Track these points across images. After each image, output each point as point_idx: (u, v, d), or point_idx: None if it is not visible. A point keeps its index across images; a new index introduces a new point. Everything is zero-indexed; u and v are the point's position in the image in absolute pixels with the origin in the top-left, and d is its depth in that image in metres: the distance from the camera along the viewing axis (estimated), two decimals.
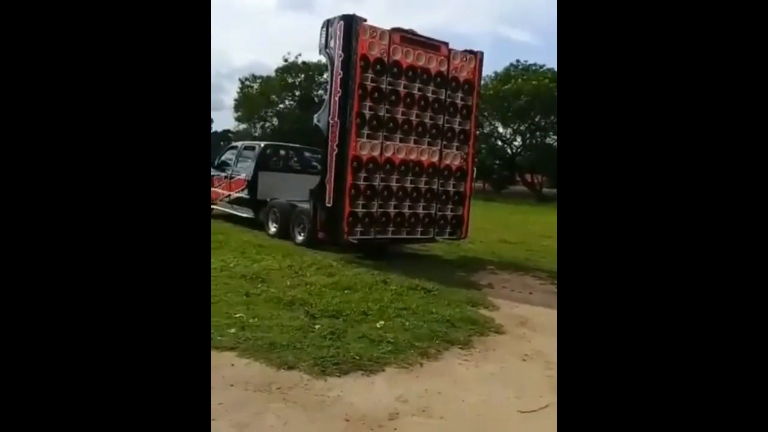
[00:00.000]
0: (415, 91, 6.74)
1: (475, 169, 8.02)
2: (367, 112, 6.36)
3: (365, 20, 6.30)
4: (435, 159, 7.07)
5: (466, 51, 7.29)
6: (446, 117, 7.09)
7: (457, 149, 7.27)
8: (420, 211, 7.01)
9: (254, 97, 36.83)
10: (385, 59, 6.46)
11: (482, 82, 31.39)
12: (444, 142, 7.12)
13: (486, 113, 29.31)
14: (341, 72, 6.20)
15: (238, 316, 3.81)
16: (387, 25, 6.56)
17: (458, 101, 7.18)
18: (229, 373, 2.91)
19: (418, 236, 7.13)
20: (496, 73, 29.91)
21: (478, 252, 8.17)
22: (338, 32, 6.22)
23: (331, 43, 6.32)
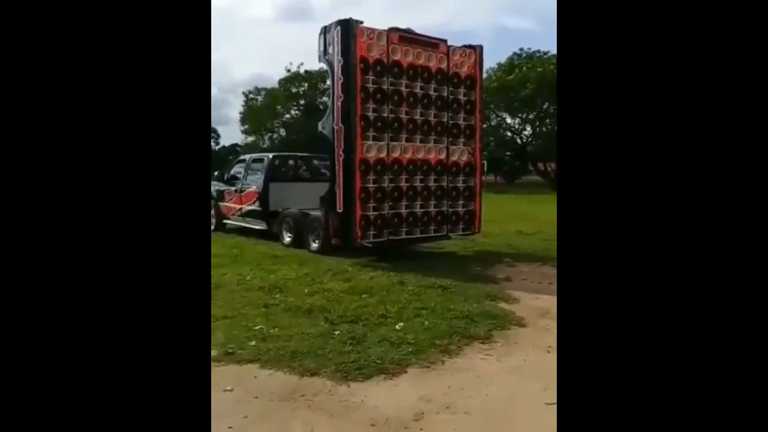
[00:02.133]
0: (417, 90, 6.75)
1: (485, 162, 8.00)
2: (370, 115, 6.37)
3: (362, 22, 6.32)
4: (442, 156, 7.06)
5: (465, 46, 7.27)
6: (450, 113, 7.08)
7: (464, 144, 7.26)
8: (431, 209, 7.00)
9: (259, 109, 37.19)
10: (385, 60, 6.47)
11: (486, 74, 31.09)
12: (450, 139, 7.11)
13: (492, 105, 29.21)
14: (342, 76, 6.22)
15: (257, 328, 3.83)
16: (386, 27, 6.57)
17: (461, 97, 7.16)
18: (253, 385, 2.92)
19: (432, 234, 7.12)
20: (499, 64, 29.81)
21: (494, 245, 8.12)
22: (336, 37, 6.24)
23: (330, 49, 6.35)
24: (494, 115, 30.67)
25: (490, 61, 31.12)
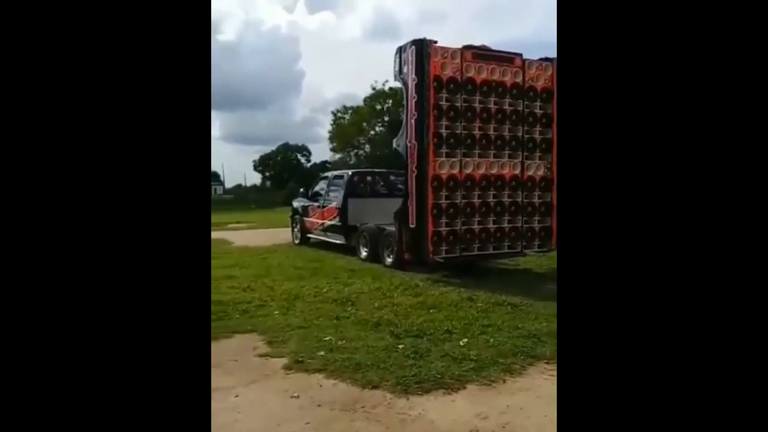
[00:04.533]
0: (491, 105, 6.74)
1: None
2: (443, 131, 6.45)
3: (435, 42, 6.44)
4: (517, 171, 6.97)
5: (541, 59, 7.16)
6: (525, 128, 6.99)
7: (540, 159, 7.12)
8: (505, 225, 6.92)
9: (346, 127, 38.42)
10: (459, 77, 6.53)
11: None
12: (525, 153, 7.00)
13: None
14: (415, 95, 6.36)
15: (327, 339, 4.02)
16: (471, 41, 6.64)
17: (537, 110, 7.05)
18: (317, 393, 3.08)
19: (506, 251, 7.02)
20: None
21: None
22: (410, 57, 6.40)
23: (405, 69, 6.52)
24: None
25: None
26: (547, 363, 3.53)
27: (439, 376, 3.24)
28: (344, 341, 3.96)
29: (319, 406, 2.91)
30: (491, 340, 3.93)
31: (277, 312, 4.95)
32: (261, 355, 3.76)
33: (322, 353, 3.70)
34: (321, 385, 3.20)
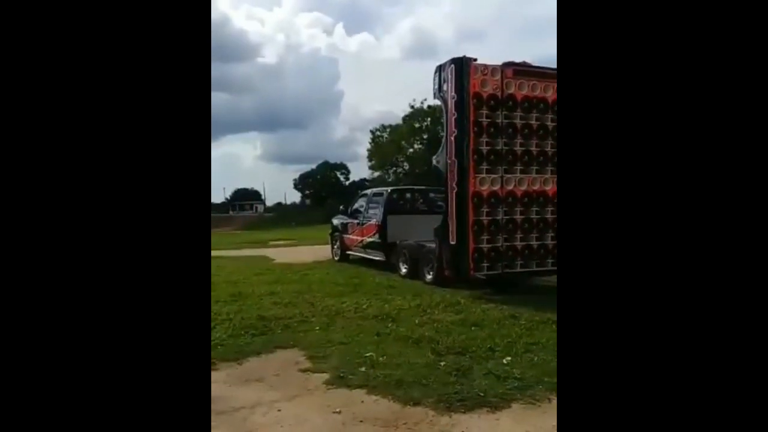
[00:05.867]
0: (533, 122, 6.67)
1: None
2: (483, 148, 6.41)
3: (475, 59, 6.45)
4: None
5: None
6: None
7: None
8: (549, 242, 6.78)
9: (385, 145, 38.74)
10: (499, 94, 6.51)
11: None
12: None
13: None
14: (455, 112, 6.37)
15: (368, 355, 4.01)
16: (511, 57, 6.65)
17: None
18: (360, 409, 3.08)
19: (549, 268, 6.86)
20: None
21: None
22: (450, 75, 6.43)
23: (444, 87, 6.55)
24: None
25: None
26: None
27: (482, 394, 3.18)
28: (385, 357, 3.95)
29: (361, 421, 2.91)
30: (536, 358, 3.85)
31: (318, 328, 4.99)
32: (303, 370, 3.79)
33: (363, 369, 3.70)
34: (362, 401, 3.20)
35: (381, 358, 3.93)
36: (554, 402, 3.13)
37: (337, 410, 3.05)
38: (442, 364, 3.75)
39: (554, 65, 6.89)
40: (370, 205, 10.07)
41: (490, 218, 6.45)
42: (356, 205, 10.72)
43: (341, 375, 3.61)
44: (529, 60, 6.99)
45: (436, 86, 6.70)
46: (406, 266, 8.33)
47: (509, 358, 3.85)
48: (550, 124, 6.76)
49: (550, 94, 6.77)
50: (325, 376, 3.64)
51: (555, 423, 2.82)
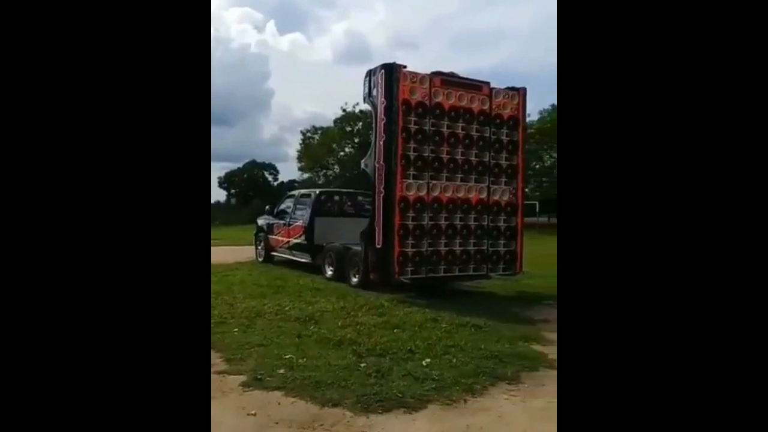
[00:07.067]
0: (459, 131, 6.87)
1: (536, 203, 7.92)
2: (411, 154, 6.52)
3: (405, 67, 6.56)
4: (483, 195, 7.09)
5: (508, 88, 7.37)
6: (492, 153, 7.14)
7: (506, 184, 7.27)
8: (471, 247, 7.00)
9: (315, 147, 38.43)
10: (427, 102, 6.65)
11: (541, 115, 30.41)
12: (491, 179, 7.14)
13: (546, 146, 28.89)
14: (384, 117, 6.44)
15: (288, 357, 3.94)
16: (441, 68, 6.77)
17: (503, 137, 7.23)
18: (276, 411, 3.01)
19: (471, 273, 7.09)
20: (553, 105, 29.62)
21: (536, 287, 7.96)
22: (380, 80, 6.50)
23: (374, 92, 6.61)
24: (548, 156, 30.31)
25: (545, 103, 31.01)
26: (508, 384, 3.55)
27: (400, 395, 3.21)
28: (305, 359, 3.89)
29: (277, 423, 2.84)
30: (454, 360, 3.93)
31: (236, 329, 4.84)
32: (218, 372, 3.65)
33: (281, 371, 3.63)
34: (279, 403, 3.13)
35: (301, 360, 3.87)
36: (470, 402, 3.21)
37: (253, 412, 2.96)
38: (363, 365, 3.75)
39: (482, 78, 7.15)
40: (298, 206, 9.94)
41: (415, 223, 6.56)
42: (283, 206, 10.54)
43: (258, 377, 3.51)
44: (458, 72, 7.20)
45: (367, 91, 6.75)
46: (331, 269, 8.28)
47: (428, 360, 3.91)
48: (475, 135, 6.99)
49: (476, 105, 7.01)
50: (242, 378, 3.53)
51: (469, 422, 2.90)
